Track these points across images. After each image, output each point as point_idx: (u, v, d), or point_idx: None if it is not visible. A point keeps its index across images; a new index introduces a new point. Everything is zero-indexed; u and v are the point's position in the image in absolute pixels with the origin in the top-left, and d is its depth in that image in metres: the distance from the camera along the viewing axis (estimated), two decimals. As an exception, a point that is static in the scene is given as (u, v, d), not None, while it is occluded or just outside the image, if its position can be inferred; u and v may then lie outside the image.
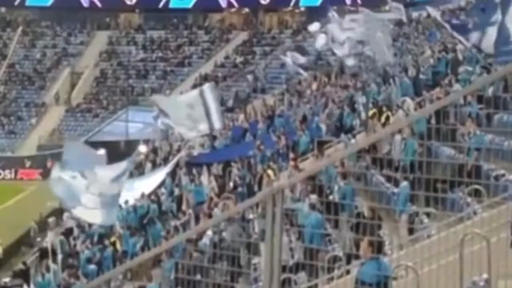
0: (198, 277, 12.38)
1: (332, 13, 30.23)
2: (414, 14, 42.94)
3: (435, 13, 31.43)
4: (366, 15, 26.26)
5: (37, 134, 54.44)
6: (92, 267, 22.77)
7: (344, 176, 17.63)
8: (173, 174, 27.98)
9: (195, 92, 29.00)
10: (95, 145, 43.29)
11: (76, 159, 19.68)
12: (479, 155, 14.67)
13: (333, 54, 34.89)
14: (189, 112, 27.73)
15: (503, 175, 13.81)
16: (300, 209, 15.94)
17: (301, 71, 36.24)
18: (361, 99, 26.12)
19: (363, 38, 25.62)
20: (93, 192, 18.80)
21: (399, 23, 35.96)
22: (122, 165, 19.96)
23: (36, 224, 34.75)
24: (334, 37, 27.85)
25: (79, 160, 19.67)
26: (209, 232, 18.06)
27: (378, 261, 8.01)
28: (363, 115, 24.05)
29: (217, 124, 29.01)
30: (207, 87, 28.63)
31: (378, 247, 7.99)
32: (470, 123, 16.13)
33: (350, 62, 28.89)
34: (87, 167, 18.92)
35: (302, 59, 36.49)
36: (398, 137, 17.53)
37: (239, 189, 23.16)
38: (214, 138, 32.25)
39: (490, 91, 16.48)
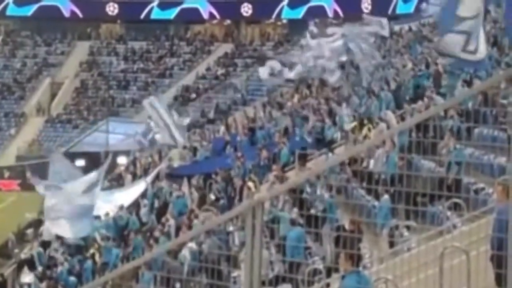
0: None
1: (312, 28, 30.36)
2: (396, 28, 43.15)
3: None
4: (346, 29, 26.41)
5: (16, 145, 54.02)
6: (72, 279, 22.58)
7: (328, 188, 17.62)
8: (154, 185, 27.86)
9: (147, 104, 29.92)
10: (75, 156, 43.16)
11: (55, 174, 20.07)
12: (459, 169, 14.73)
13: (315, 67, 35.05)
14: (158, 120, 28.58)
15: (483, 188, 13.87)
16: (283, 217, 15.91)
17: None
18: (343, 111, 26.19)
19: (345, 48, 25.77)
20: (60, 207, 19.00)
21: (380, 37, 36.11)
22: (92, 176, 20.16)
23: (14, 235, 34.43)
24: (318, 53, 27.95)
25: (57, 175, 20.05)
26: (190, 244, 17.97)
27: (359, 274, 7.97)
28: (345, 127, 24.10)
29: (179, 138, 29.40)
30: (153, 99, 29.58)
31: (356, 260, 7.93)
32: (449, 136, 16.18)
33: (334, 77, 29.02)
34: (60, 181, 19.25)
35: None
36: (379, 150, 17.55)
37: (220, 201, 23.09)
38: (195, 150, 32.17)
39: (470, 104, 16.57)
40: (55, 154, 25.81)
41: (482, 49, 13.88)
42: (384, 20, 29.54)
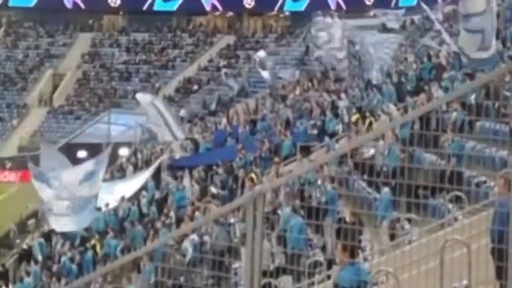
0: (179, 281, 12.31)
1: (319, 17, 30.29)
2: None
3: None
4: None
5: (18, 136, 54.01)
6: (74, 269, 22.64)
7: (329, 180, 17.60)
8: (156, 177, 27.85)
9: (148, 100, 29.61)
10: (77, 147, 43.18)
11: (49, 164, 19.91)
12: (460, 161, 14.72)
13: (317, 59, 35.01)
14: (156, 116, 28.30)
15: (484, 182, 13.85)
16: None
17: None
18: (343, 103, 26.18)
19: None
20: (63, 198, 18.87)
21: (385, 30, 36.15)
22: (88, 165, 20.01)
23: (16, 226, 34.47)
24: (330, 40, 27.78)
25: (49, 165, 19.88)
26: (192, 236, 17.99)
27: (356, 266, 7.96)
28: (346, 119, 24.08)
29: (179, 134, 29.16)
30: (157, 100, 29.22)
31: (352, 252, 7.90)
32: (451, 129, 16.17)
33: (342, 65, 28.97)
34: (53, 173, 19.11)
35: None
36: (380, 142, 17.53)
37: (222, 192, 23.11)
38: (196, 141, 32.16)
39: (472, 98, 16.54)
40: (45, 148, 24.97)
41: (494, 44, 13.82)
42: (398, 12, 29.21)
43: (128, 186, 27.07)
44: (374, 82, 25.50)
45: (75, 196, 19.04)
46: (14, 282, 24.68)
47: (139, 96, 32.85)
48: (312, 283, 12.57)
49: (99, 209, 25.50)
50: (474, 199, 12.26)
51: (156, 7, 61.73)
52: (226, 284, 15.46)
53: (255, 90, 46.35)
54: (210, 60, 57.49)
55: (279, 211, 16.60)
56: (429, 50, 28.17)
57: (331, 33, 28.10)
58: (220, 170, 25.03)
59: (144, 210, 25.74)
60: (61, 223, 19.77)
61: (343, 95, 27.73)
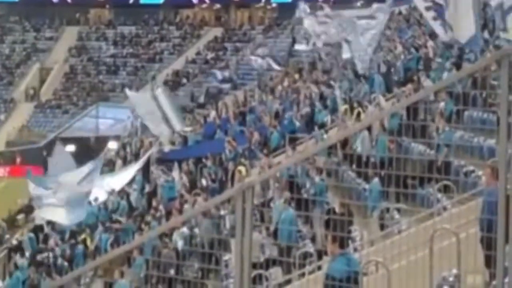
0: (169, 273, 12.33)
1: (304, 8, 30.15)
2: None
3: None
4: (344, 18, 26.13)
5: (6, 130, 53.82)
6: (64, 264, 22.62)
7: (318, 172, 17.65)
8: (144, 170, 27.80)
9: (148, 95, 29.03)
10: (65, 141, 43.01)
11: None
12: (449, 151, 14.79)
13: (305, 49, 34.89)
14: (151, 112, 27.87)
15: (473, 171, 13.92)
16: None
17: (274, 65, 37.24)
18: (334, 94, 26.18)
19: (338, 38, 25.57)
20: (59, 197, 19.03)
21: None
22: (87, 168, 20.20)
23: (5, 221, 34.36)
24: (312, 31, 27.66)
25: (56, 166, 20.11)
26: (182, 229, 18.00)
27: (347, 256, 7.99)
28: (341, 109, 23.99)
29: (178, 126, 28.91)
30: (160, 92, 28.70)
31: (342, 243, 7.92)
32: (440, 119, 16.23)
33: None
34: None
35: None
36: (365, 133, 17.56)
37: (211, 185, 23.12)
38: (185, 136, 32.07)
39: (459, 87, 16.60)
40: (58, 146, 25.41)
41: (473, 23, 13.83)
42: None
43: (117, 180, 27.03)
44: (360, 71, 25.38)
45: (72, 195, 19.20)
46: (3, 277, 24.62)
47: (130, 93, 32.49)
48: (303, 274, 12.62)
49: (88, 202, 25.46)
50: (463, 188, 12.32)
51: (142, 0, 61.51)
52: (216, 276, 15.49)
53: (243, 82, 46.30)
54: (198, 53, 57.39)
55: (271, 204, 16.63)
56: (417, 40, 28.20)
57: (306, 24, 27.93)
58: (209, 163, 25.02)
59: (134, 203, 25.71)
60: (53, 213, 19.86)
61: (334, 85, 27.70)
